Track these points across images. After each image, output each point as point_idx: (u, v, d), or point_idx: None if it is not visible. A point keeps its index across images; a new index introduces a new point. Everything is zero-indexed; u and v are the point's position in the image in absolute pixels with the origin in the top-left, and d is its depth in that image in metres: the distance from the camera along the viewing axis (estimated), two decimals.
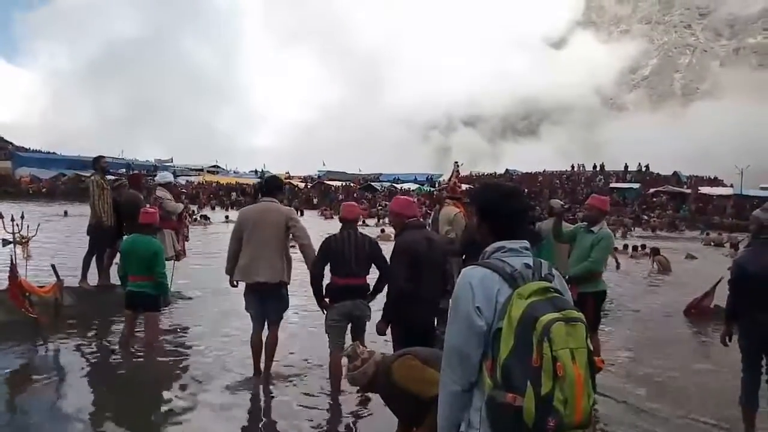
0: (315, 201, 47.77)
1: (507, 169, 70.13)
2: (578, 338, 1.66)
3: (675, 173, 56.44)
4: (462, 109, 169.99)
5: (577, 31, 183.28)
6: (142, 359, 5.73)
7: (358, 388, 4.69)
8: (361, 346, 3.58)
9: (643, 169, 58.39)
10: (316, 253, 4.85)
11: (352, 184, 60.38)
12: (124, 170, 44.96)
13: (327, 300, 4.76)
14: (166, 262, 6.09)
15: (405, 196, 5.13)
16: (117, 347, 5.99)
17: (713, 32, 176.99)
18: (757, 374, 4.16)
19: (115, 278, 6.84)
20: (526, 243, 1.91)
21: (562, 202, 7.71)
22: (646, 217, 39.04)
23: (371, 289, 4.81)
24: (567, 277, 5.00)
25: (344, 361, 3.72)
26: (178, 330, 6.89)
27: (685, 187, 50.81)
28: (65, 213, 27.53)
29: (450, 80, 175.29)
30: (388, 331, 4.42)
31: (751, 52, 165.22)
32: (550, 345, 1.60)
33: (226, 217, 29.56)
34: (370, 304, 4.83)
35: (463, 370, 1.78)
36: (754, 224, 4.29)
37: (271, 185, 5.37)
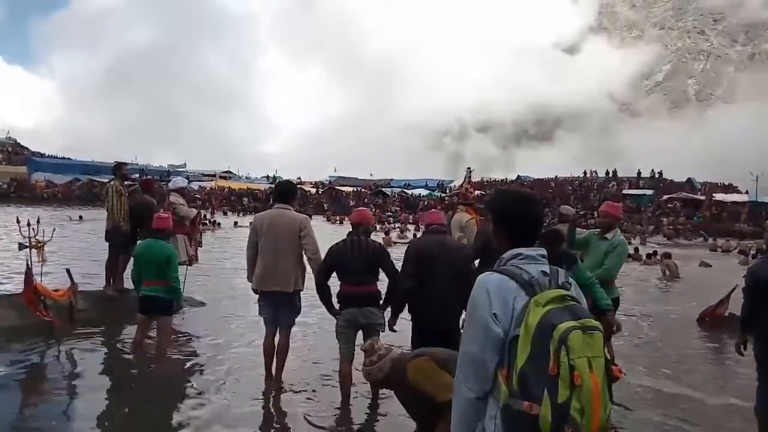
0: (326, 206, 47.87)
1: (518, 176, 69.84)
2: (596, 347, 1.65)
3: (689, 179, 55.85)
4: (475, 115, 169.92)
5: (589, 36, 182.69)
6: (154, 363, 5.76)
7: (369, 396, 4.71)
8: (379, 342, 3.58)
9: (657, 175, 57.85)
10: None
11: (363, 190, 60.47)
12: (137, 176, 45.42)
13: (338, 306, 4.74)
14: (179, 266, 6.12)
15: (433, 209, 5.33)
16: (130, 351, 6.04)
17: (728, 38, 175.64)
18: None
19: (128, 283, 6.90)
20: (543, 250, 1.90)
21: (574, 210, 7.62)
22: (653, 225, 38.68)
23: (384, 297, 4.72)
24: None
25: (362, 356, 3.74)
26: (191, 334, 6.93)
27: (699, 193, 50.29)
28: (80, 218, 27.80)
29: (462, 87, 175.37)
30: (398, 331, 4.66)
31: (767, 58, 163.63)
32: (567, 353, 1.59)
33: (235, 223, 29.83)
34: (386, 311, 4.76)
35: (478, 378, 1.77)
36: None
37: (284, 191, 5.32)
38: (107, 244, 7.79)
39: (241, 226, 28.27)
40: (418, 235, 25.56)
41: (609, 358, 1.69)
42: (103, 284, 7.84)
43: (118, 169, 8.04)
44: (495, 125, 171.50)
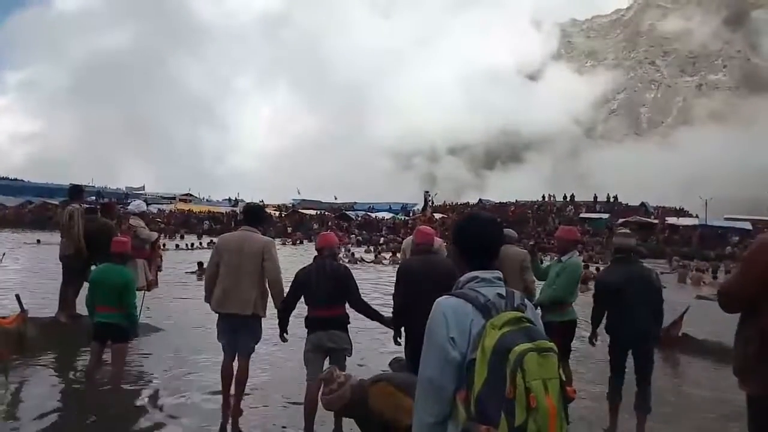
0: (290, 230, 47.47)
1: (480, 199, 70.84)
2: (550, 369, 1.67)
3: (643, 204, 57.73)
4: (445, 138, 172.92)
5: (550, 64, 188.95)
6: (108, 392, 5.54)
7: (333, 421, 4.66)
8: (338, 371, 3.54)
9: (612, 199, 59.56)
10: (284, 290, 4.84)
11: (326, 213, 60.24)
12: (94, 198, 44.27)
13: (306, 331, 4.68)
14: (137, 292, 5.98)
15: (425, 227, 5.34)
16: (82, 380, 5.81)
17: (677, 68, 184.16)
18: (623, 373, 4.91)
19: (81, 308, 6.67)
20: (498, 273, 1.92)
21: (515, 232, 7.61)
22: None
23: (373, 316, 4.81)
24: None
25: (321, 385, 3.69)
26: (147, 362, 6.72)
27: (653, 217, 51.93)
28: (38, 241, 26.94)
29: (432, 111, 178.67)
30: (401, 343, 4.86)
31: (713, 88, 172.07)
32: (523, 376, 1.61)
33: (176, 245, 29.56)
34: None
35: (437, 402, 1.77)
36: (612, 247, 5.29)
37: (253, 214, 5.28)
38: (61, 268, 7.53)
39: (181, 249, 28.08)
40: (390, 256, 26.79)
41: (564, 378, 1.72)
42: (56, 310, 7.57)
43: (81, 193, 7.86)
44: (465, 148, 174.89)
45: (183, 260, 20.37)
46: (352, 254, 27.35)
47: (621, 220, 48.39)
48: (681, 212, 58.37)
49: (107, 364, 5.85)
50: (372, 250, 32.01)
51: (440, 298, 1.87)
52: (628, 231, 5.20)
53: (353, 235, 44.38)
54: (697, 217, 50.91)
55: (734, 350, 2.65)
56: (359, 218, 56.49)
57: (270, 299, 5.01)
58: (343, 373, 3.52)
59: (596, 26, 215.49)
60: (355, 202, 73.50)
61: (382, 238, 42.03)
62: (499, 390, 1.62)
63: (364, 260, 26.19)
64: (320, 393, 3.50)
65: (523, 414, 1.59)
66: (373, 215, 58.31)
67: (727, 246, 36.73)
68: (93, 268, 6.32)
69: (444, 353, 1.76)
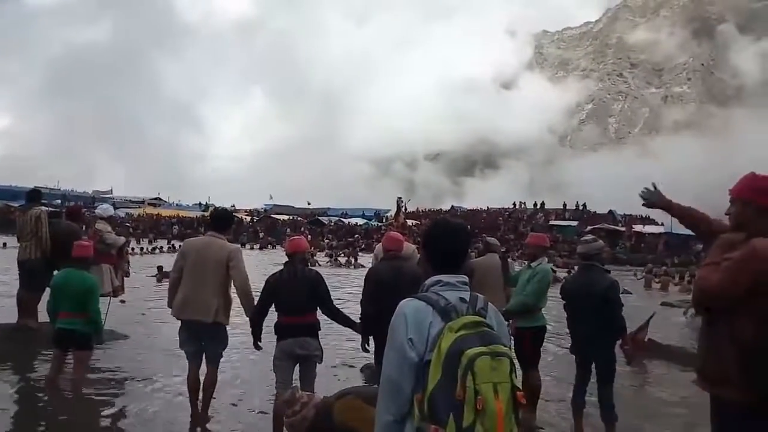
0: (261, 235, 47.08)
1: (452, 206, 71.39)
2: (502, 373, 1.70)
3: (610, 211, 58.92)
4: (423, 146, 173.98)
5: (523, 74, 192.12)
6: (70, 402, 5.40)
7: None
8: (300, 391, 3.46)
9: (581, 207, 60.64)
10: (254, 298, 4.78)
11: (299, 218, 59.90)
12: (59, 201, 43.21)
13: (276, 338, 4.62)
14: (102, 298, 5.82)
15: (394, 233, 5.40)
16: (42, 389, 5.63)
17: (643, 80, 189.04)
18: (586, 378, 4.93)
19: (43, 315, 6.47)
20: (464, 278, 1.96)
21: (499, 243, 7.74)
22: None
23: (341, 321, 4.77)
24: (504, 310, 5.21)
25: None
26: (111, 370, 6.55)
27: (620, 225, 53.02)
28: (4, 245, 26.17)
29: (408, 119, 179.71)
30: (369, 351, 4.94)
31: (678, 100, 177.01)
32: (473, 378, 1.64)
33: (131, 248, 29.37)
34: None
35: (395, 401, 1.81)
36: (577, 254, 5.26)
37: (220, 220, 5.20)
38: (24, 274, 7.30)
39: (146, 253, 27.82)
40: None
41: (516, 383, 1.74)
42: (16, 317, 7.33)
43: (40, 195, 7.66)
44: (444, 155, 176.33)
45: (145, 264, 20.10)
46: (312, 256, 27.67)
47: (589, 228, 49.33)
48: (647, 220, 59.69)
49: (69, 371, 5.68)
50: (330, 254, 32.21)
51: (403, 300, 1.91)
52: (590, 238, 5.16)
53: (327, 240, 44.21)
54: (662, 225, 52.12)
55: (705, 356, 2.60)
56: (332, 224, 56.29)
57: (235, 308, 4.92)
58: (306, 392, 3.45)
59: (566, 38, 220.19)
60: (329, 208, 73.27)
61: (360, 243, 41.98)
62: (450, 391, 1.66)
63: (321, 263, 26.54)
64: (284, 416, 3.43)
65: (471, 416, 1.63)
66: (346, 221, 58.16)
67: (690, 254, 37.73)
68: (56, 273, 6.14)
69: (403, 354, 1.80)
